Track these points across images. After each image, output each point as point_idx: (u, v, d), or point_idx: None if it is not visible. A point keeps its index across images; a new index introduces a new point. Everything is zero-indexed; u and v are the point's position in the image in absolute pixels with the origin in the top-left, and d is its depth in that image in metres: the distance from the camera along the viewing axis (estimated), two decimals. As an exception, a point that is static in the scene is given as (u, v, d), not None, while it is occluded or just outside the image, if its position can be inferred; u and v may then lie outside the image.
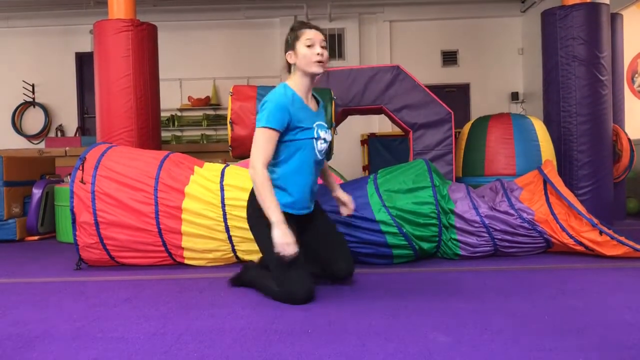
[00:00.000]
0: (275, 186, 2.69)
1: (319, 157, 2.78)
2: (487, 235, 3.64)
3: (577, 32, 5.14)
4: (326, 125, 2.84)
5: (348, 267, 2.88)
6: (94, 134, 8.78)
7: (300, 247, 2.56)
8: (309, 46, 2.66)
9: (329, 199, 3.58)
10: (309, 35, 2.67)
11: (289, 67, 2.77)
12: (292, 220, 2.67)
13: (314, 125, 2.74)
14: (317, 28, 2.72)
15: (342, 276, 2.87)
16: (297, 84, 2.74)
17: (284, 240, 2.49)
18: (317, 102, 2.89)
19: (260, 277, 2.83)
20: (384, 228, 3.46)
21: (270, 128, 2.59)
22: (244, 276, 2.94)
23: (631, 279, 2.94)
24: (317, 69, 2.69)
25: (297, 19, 10.28)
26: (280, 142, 2.67)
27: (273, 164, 2.71)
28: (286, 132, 2.66)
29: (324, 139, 2.78)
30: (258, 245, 2.82)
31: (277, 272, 2.61)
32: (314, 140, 2.72)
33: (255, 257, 3.50)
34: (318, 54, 2.66)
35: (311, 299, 2.60)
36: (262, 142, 2.59)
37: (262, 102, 2.68)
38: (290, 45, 2.72)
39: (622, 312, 2.30)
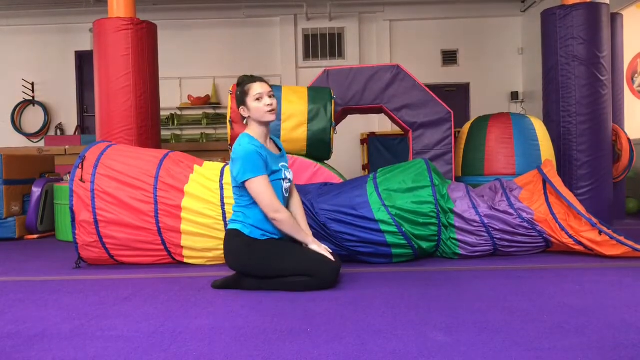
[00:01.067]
0: (253, 226, 2.87)
1: (285, 194, 3.02)
2: (486, 234, 3.64)
3: (577, 31, 5.14)
4: (287, 166, 3.06)
5: (338, 262, 2.92)
6: (94, 133, 8.76)
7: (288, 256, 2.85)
8: (258, 99, 2.88)
9: (329, 199, 3.58)
10: (255, 89, 2.89)
11: (243, 119, 2.98)
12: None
13: (280, 166, 2.97)
14: (261, 80, 2.94)
15: (333, 275, 2.86)
16: (255, 132, 2.94)
17: (321, 250, 2.87)
18: (277, 146, 3.12)
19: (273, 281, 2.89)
20: (383, 227, 3.46)
21: (262, 175, 2.81)
22: (243, 280, 2.90)
23: (630, 279, 2.94)
24: (270, 118, 2.91)
25: (298, 18, 10.30)
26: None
27: (245, 206, 2.90)
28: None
29: (289, 179, 3.03)
30: (267, 270, 2.85)
31: (303, 268, 2.80)
32: (282, 180, 2.96)
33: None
34: (268, 104, 2.88)
35: (339, 271, 2.91)
36: (266, 188, 2.81)
37: (235, 157, 2.86)
38: (241, 101, 2.93)
39: (621, 312, 2.30)
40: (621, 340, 1.94)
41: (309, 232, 3.03)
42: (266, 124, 2.95)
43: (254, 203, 2.86)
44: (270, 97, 2.90)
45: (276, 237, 2.91)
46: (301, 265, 2.81)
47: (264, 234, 2.88)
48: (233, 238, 2.91)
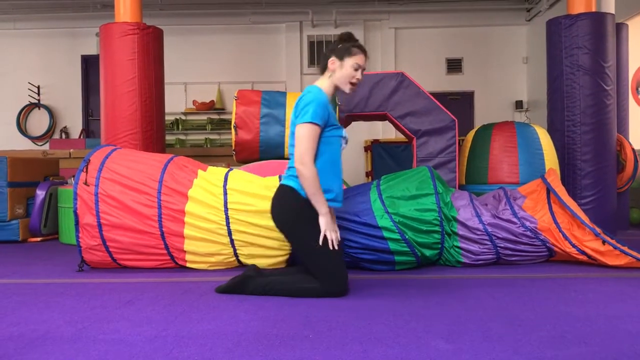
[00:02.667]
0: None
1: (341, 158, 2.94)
2: (489, 243, 3.64)
3: (582, 41, 5.14)
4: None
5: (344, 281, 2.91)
6: (99, 136, 8.80)
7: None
8: (355, 69, 2.83)
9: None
10: (360, 60, 2.84)
11: (324, 68, 2.91)
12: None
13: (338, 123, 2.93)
14: (366, 54, 2.89)
15: (339, 293, 2.86)
16: (327, 89, 2.89)
17: (331, 227, 2.76)
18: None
19: (279, 282, 2.88)
20: (386, 234, 3.46)
21: (316, 124, 2.73)
22: (247, 285, 2.89)
23: (633, 289, 2.93)
24: (348, 90, 2.89)
25: (303, 25, 10.32)
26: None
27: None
28: (322, 129, 2.79)
29: (346, 139, 2.95)
30: (301, 247, 2.85)
31: (324, 264, 2.77)
32: (342, 139, 2.90)
33: (257, 261, 3.50)
34: (357, 79, 2.86)
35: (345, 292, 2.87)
36: (310, 138, 2.74)
37: (302, 99, 2.80)
38: (339, 54, 2.84)
39: (624, 322, 2.29)
40: (624, 350, 1.93)
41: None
42: (336, 91, 2.92)
43: (317, 156, 2.79)
44: (361, 74, 2.87)
45: (335, 205, 2.87)
46: (324, 261, 2.76)
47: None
48: (287, 194, 2.85)
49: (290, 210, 2.84)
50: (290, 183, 2.85)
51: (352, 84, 2.86)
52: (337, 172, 2.86)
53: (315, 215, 2.78)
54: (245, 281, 2.90)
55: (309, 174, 2.71)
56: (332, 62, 2.86)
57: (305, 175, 2.72)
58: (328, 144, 2.83)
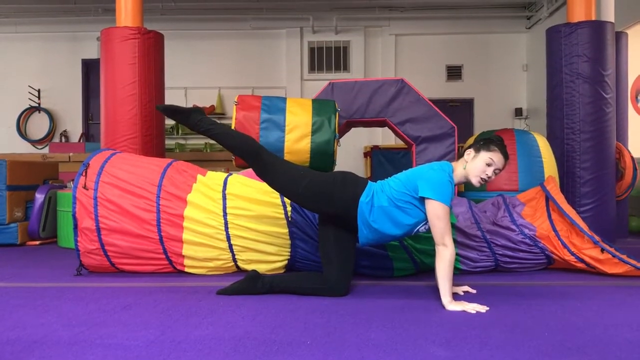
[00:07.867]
0: (382, 209, 2.88)
1: None
2: (488, 250, 3.63)
3: (582, 49, 5.15)
4: None
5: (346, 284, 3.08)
6: (98, 140, 8.78)
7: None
8: (488, 165, 2.85)
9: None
10: (495, 157, 2.85)
11: (460, 157, 2.98)
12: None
13: None
14: (506, 157, 2.91)
15: (337, 289, 2.99)
16: (457, 177, 2.92)
17: (463, 306, 2.66)
18: None
19: (285, 280, 3.02)
20: (385, 240, 3.46)
21: (449, 206, 2.77)
22: (254, 285, 2.97)
23: (632, 298, 2.93)
24: (475, 183, 2.89)
25: (304, 30, 10.35)
26: (412, 203, 2.86)
27: (396, 205, 2.87)
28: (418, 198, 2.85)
29: (427, 228, 2.95)
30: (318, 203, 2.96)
31: (338, 268, 2.93)
32: (421, 223, 2.92)
33: (255, 266, 3.50)
34: (487, 176, 2.87)
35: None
36: (447, 220, 2.76)
37: (436, 172, 2.82)
38: (477, 149, 2.90)
39: (622, 330, 2.29)
40: (622, 358, 1.92)
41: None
42: (465, 181, 2.94)
43: (392, 212, 2.87)
44: (495, 173, 2.88)
45: (360, 243, 3.01)
46: (327, 255, 2.96)
47: (364, 233, 2.92)
48: (350, 181, 2.96)
49: (347, 196, 2.90)
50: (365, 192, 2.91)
51: (480, 179, 2.86)
52: (394, 231, 2.91)
53: (341, 221, 2.95)
54: (251, 282, 2.97)
55: (450, 256, 2.74)
56: (469, 152, 2.91)
57: (445, 257, 2.74)
58: (416, 214, 2.86)
